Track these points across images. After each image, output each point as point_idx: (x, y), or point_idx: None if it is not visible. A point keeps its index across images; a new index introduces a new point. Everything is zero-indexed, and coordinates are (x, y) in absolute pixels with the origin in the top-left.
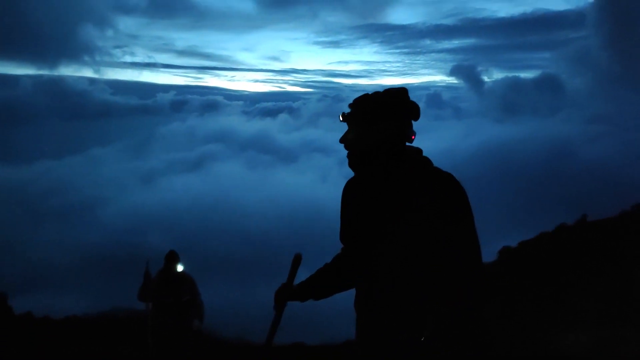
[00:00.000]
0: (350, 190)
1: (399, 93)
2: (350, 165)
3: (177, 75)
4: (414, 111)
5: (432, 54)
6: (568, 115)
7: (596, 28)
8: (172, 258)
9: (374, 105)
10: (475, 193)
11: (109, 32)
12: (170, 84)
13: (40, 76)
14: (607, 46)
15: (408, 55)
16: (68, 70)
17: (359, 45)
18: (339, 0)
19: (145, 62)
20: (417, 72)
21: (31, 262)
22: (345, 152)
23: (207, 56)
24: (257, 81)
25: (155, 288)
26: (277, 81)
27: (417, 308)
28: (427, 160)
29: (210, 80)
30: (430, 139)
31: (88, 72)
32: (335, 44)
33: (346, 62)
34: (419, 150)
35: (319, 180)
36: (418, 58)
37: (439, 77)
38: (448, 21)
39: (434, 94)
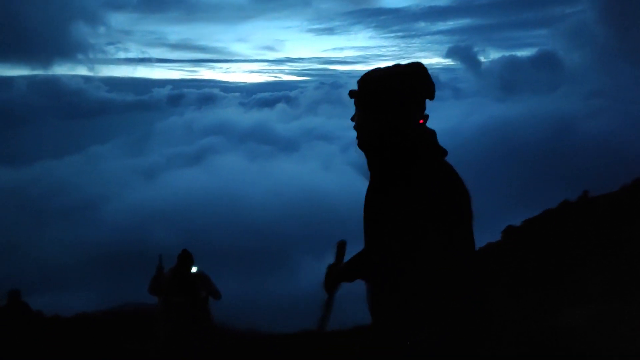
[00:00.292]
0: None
1: (407, 71)
2: (359, 146)
3: (172, 69)
4: (424, 91)
5: (428, 37)
6: (567, 91)
7: (592, 2)
8: (186, 259)
9: (376, 88)
10: (478, 173)
11: (101, 29)
12: (165, 79)
13: (35, 76)
14: (604, 20)
15: (403, 39)
16: (62, 69)
17: (353, 31)
18: None
19: (140, 58)
20: (413, 55)
21: (37, 263)
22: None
23: (201, 49)
24: (252, 72)
25: (166, 285)
26: (272, 71)
27: (411, 309)
28: (434, 151)
29: (205, 73)
30: (432, 120)
31: (82, 70)
32: (330, 31)
33: (341, 49)
34: (426, 137)
35: (321, 168)
36: (413, 41)
37: (436, 60)
38: (442, 2)
39: (432, 76)
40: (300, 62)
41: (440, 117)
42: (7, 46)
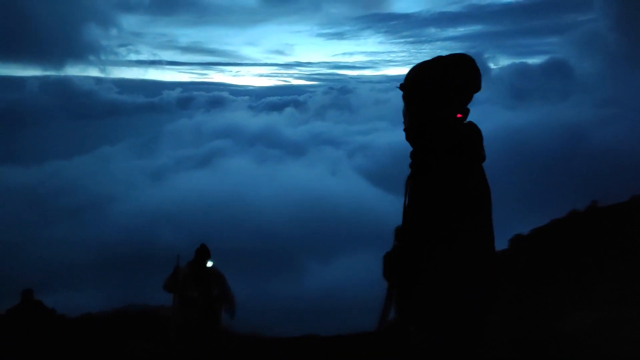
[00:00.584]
0: None
1: (445, 64)
2: (407, 139)
3: (182, 72)
4: (462, 83)
5: (438, 42)
6: (578, 99)
7: (604, 10)
8: (203, 253)
9: (413, 80)
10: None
11: (113, 31)
12: (175, 81)
13: (47, 77)
14: (616, 28)
15: (413, 45)
16: (74, 71)
17: (363, 36)
18: None
19: (150, 60)
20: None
21: (45, 262)
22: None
23: (211, 52)
24: (261, 75)
25: (182, 280)
26: (281, 75)
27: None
28: (464, 148)
29: (215, 76)
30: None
31: (94, 72)
32: (339, 36)
33: (351, 54)
34: (461, 132)
35: (328, 173)
36: (423, 47)
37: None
38: (453, 8)
39: (399, 84)
40: (310, 67)
41: None
42: (20, 47)
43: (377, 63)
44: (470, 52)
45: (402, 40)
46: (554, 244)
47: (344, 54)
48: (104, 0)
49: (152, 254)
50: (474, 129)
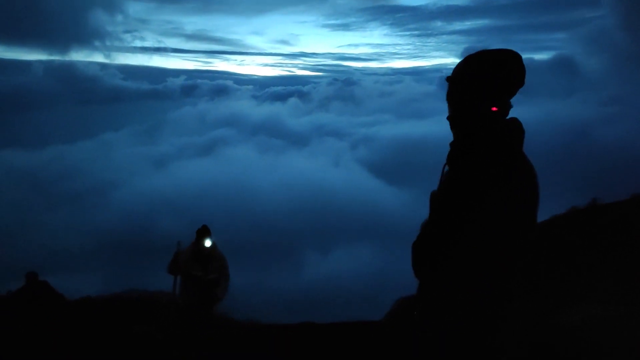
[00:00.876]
0: None
1: (484, 59)
2: (450, 128)
3: (186, 59)
4: (498, 80)
5: (444, 36)
6: (583, 97)
7: (613, 7)
8: (202, 232)
9: (455, 72)
10: None
11: (119, 17)
12: (180, 69)
13: (52, 61)
14: (624, 26)
15: (419, 38)
16: (79, 56)
17: (369, 28)
18: None
19: (155, 47)
20: (428, 54)
21: (45, 244)
22: None
23: (216, 40)
24: (266, 65)
25: (185, 261)
26: (286, 65)
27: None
28: (497, 142)
29: (219, 64)
30: (446, 121)
31: (99, 57)
32: (345, 27)
33: (356, 45)
34: (495, 125)
35: (330, 165)
36: (429, 40)
37: (451, 60)
38: (460, 1)
39: (446, 76)
40: (315, 57)
41: None
42: (26, 31)
43: (382, 55)
44: (477, 46)
45: (408, 33)
46: (554, 240)
47: (349, 45)
48: None
49: (152, 240)
50: (514, 125)
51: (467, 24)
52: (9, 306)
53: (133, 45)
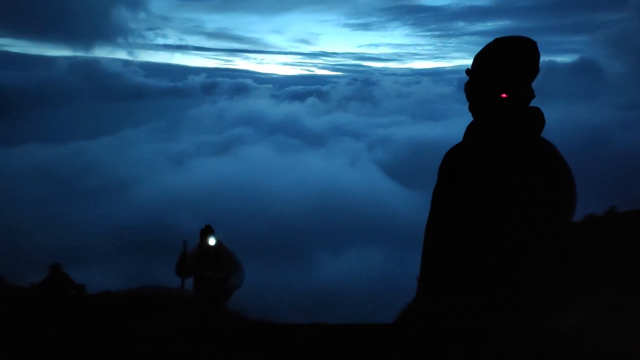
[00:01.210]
0: None
1: (495, 48)
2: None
3: (207, 57)
4: (509, 68)
5: (465, 37)
6: (605, 101)
7: (638, 9)
8: (205, 232)
9: (475, 59)
10: None
11: (142, 15)
12: (201, 67)
13: (76, 58)
14: None
15: (440, 38)
16: (103, 52)
17: (389, 28)
18: None
19: (177, 45)
20: (449, 55)
21: (66, 239)
22: None
23: (236, 38)
24: (286, 64)
25: (193, 263)
26: (306, 64)
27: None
28: (509, 128)
29: (239, 63)
30: (463, 124)
31: (122, 54)
32: (366, 27)
33: (376, 45)
34: (524, 117)
35: (347, 165)
36: (450, 41)
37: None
38: (482, 2)
39: (467, 78)
40: (334, 57)
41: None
42: (51, 27)
43: (402, 56)
44: None
45: (429, 33)
46: (568, 247)
47: (369, 45)
48: None
49: (169, 236)
50: (531, 113)
51: (489, 25)
52: (32, 297)
53: (155, 42)
